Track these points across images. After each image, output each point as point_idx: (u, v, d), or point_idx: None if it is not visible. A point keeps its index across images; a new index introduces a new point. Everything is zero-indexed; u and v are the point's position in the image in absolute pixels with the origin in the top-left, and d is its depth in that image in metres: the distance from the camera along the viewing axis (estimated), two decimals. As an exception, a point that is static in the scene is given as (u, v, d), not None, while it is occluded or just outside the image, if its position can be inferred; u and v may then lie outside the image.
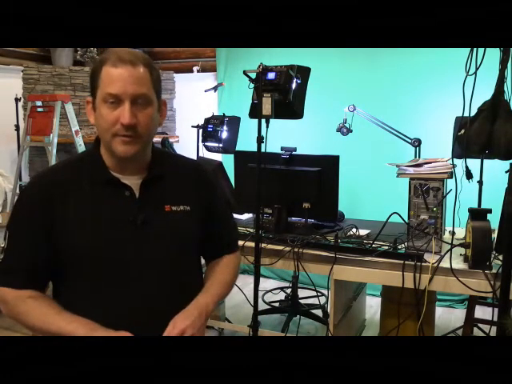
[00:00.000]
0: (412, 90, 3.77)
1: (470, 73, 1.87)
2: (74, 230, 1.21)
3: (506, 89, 1.93)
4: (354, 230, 2.52)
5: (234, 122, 3.17)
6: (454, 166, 2.17)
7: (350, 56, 3.86)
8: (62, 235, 1.21)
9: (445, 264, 2.08)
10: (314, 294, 3.17)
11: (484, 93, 1.92)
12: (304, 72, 2.58)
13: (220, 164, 2.88)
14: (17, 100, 4.19)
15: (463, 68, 1.88)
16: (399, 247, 2.27)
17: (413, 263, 2.11)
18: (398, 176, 2.32)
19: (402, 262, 2.13)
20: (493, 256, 2.06)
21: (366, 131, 3.40)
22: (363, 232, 2.53)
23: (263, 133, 2.31)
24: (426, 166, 2.30)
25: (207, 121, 3.24)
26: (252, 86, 2.40)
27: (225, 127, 3.11)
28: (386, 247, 2.27)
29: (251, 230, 2.54)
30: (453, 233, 2.22)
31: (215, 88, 3.90)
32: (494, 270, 2.00)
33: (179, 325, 1.21)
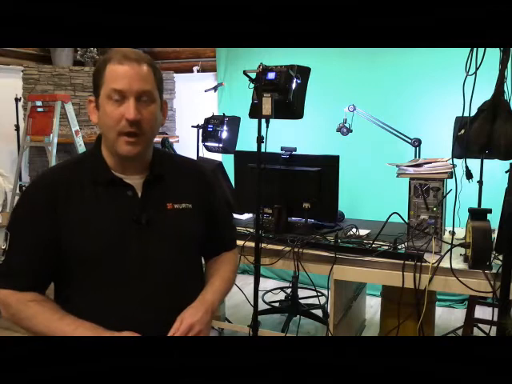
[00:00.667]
0: (412, 90, 3.77)
1: (470, 73, 1.87)
2: (76, 231, 1.21)
3: (506, 89, 1.93)
4: (354, 230, 2.52)
5: (233, 122, 3.17)
6: (454, 166, 2.17)
7: (350, 56, 3.86)
8: (64, 236, 1.21)
9: (445, 264, 2.08)
10: (314, 293, 3.17)
11: (484, 93, 1.92)
12: (304, 72, 2.58)
13: (220, 164, 2.88)
14: (17, 100, 4.20)
15: (463, 68, 1.88)
16: (399, 247, 2.27)
17: (413, 263, 2.11)
18: (397, 176, 2.32)
19: (402, 262, 2.13)
20: (493, 256, 2.06)
21: (366, 131, 3.39)
22: (363, 232, 2.53)
23: (263, 133, 2.31)
24: (425, 165, 2.30)
25: (207, 121, 3.24)
26: (252, 85, 2.40)
27: (225, 127, 3.11)
28: (386, 247, 2.27)
29: (251, 230, 2.54)
30: (453, 233, 2.22)
31: (215, 88, 3.90)
32: (494, 270, 2.00)
33: (187, 320, 1.21)
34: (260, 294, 2.79)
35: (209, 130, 3.18)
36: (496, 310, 1.91)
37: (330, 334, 2.39)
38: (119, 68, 1.17)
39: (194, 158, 3.32)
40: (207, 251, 1.46)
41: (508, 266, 1.82)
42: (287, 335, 2.85)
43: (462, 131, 1.99)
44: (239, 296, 2.86)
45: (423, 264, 2.11)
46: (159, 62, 4.83)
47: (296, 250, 2.35)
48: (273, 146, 2.47)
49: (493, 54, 1.83)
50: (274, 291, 3.81)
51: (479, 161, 2.66)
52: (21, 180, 3.95)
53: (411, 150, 2.98)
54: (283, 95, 2.46)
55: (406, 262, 2.12)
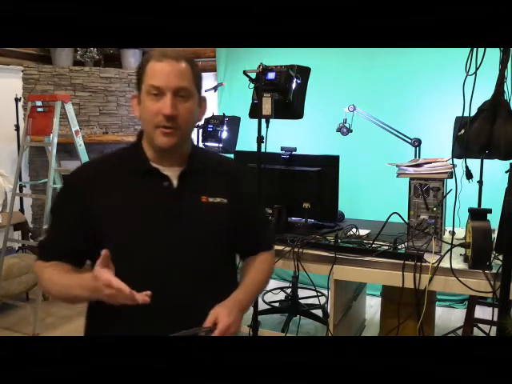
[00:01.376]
0: (412, 90, 3.77)
1: (470, 73, 1.87)
2: (107, 217, 1.27)
3: (506, 89, 1.93)
4: (354, 230, 2.52)
5: (233, 122, 3.18)
6: (454, 166, 2.17)
7: (350, 56, 3.86)
8: (96, 221, 1.27)
9: (445, 264, 2.08)
10: (314, 293, 3.17)
11: (484, 93, 1.92)
12: (304, 72, 2.58)
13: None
14: (17, 100, 4.20)
15: (463, 68, 1.88)
16: (399, 247, 2.27)
17: (413, 263, 2.11)
18: (397, 176, 2.32)
19: (402, 262, 2.13)
20: (493, 256, 2.06)
21: (366, 131, 3.39)
22: (363, 232, 2.53)
23: (263, 133, 2.31)
24: (425, 166, 2.30)
25: (207, 121, 3.24)
26: (252, 85, 2.41)
27: (225, 127, 3.11)
28: (386, 247, 2.27)
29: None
30: (453, 233, 2.22)
31: (215, 88, 3.89)
32: (494, 270, 2.00)
33: (225, 320, 1.21)
34: (260, 293, 2.79)
35: (209, 129, 3.18)
36: (496, 309, 1.91)
37: (330, 334, 2.39)
38: (158, 65, 1.22)
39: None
40: (242, 250, 1.47)
41: (508, 266, 1.82)
42: (287, 335, 2.85)
43: (462, 131, 1.99)
44: (239, 296, 2.85)
45: (423, 264, 2.11)
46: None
47: (296, 249, 2.35)
48: (273, 145, 2.47)
49: (493, 54, 1.83)
50: (274, 291, 3.81)
51: (479, 161, 2.66)
52: (21, 180, 3.95)
53: (411, 149, 2.98)
54: (283, 95, 2.47)
55: (406, 262, 2.12)
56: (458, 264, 2.11)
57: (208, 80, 4.62)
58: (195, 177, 1.32)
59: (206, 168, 1.36)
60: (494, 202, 2.21)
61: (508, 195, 1.89)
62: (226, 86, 4.34)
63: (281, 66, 2.51)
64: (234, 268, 1.45)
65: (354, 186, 3.79)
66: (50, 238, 1.36)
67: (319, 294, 3.08)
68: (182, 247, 1.27)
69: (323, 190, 2.53)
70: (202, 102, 1.33)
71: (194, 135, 3.47)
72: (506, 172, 1.96)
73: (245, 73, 2.34)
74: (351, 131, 3.07)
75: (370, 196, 3.87)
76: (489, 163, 2.70)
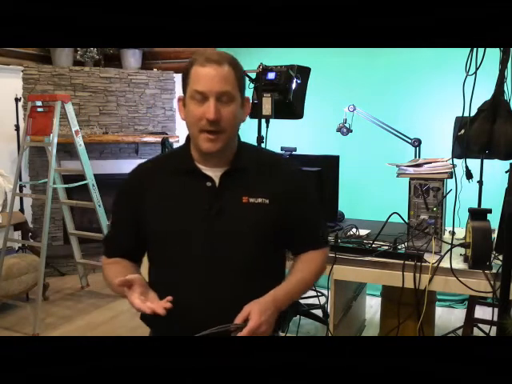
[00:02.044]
0: (412, 90, 3.78)
1: (470, 73, 1.87)
2: (152, 214, 1.34)
3: (506, 89, 1.93)
4: (354, 230, 2.52)
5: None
6: (454, 166, 2.17)
7: (350, 56, 3.86)
8: (146, 218, 1.35)
9: (445, 264, 2.08)
10: (314, 293, 3.17)
11: (484, 93, 1.92)
12: (304, 72, 2.58)
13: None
14: (17, 100, 4.19)
15: (463, 68, 1.88)
16: (399, 247, 2.27)
17: (413, 263, 2.11)
18: (397, 176, 2.31)
19: (402, 262, 2.13)
20: (493, 256, 2.06)
21: (366, 131, 3.40)
22: (363, 232, 2.53)
23: (263, 133, 2.31)
24: (425, 166, 2.30)
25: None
26: (252, 86, 2.41)
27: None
28: (386, 247, 2.27)
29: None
30: (453, 233, 2.22)
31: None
32: (494, 270, 2.00)
33: (256, 318, 1.21)
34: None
35: (209, 129, 3.18)
36: (496, 309, 1.91)
37: (330, 334, 2.39)
38: (201, 70, 1.25)
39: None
40: (291, 246, 1.47)
41: (508, 266, 1.82)
42: (287, 335, 2.85)
43: (462, 131, 1.99)
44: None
45: (423, 264, 2.11)
46: (159, 62, 4.83)
47: (296, 250, 2.34)
48: (273, 145, 2.47)
49: (493, 54, 1.83)
50: (273, 291, 3.80)
51: (479, 161, 2.66)
52: (21, 180, 3.94)
53: (411, 149, 2.98)
54: (283, 95, 2.47)
55: (406, 262, 2.12)
56: (458, 264, 2.11)
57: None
58: (238, 177, 1.34)
59: (250, 167, 1.36)
60: (494, 202, 2.21)
61: (508, 195, 1.89)
62: (226, 86, 4.32)
63: (281, 66, 2.51)
64: (280, 268, 1.44)
65: (354, 186, 3.79)
66: (111, 235, 1.48)
67: (319, 293, 3.07)
68: (222, 247, 1.30)
69: (323, 190, 2.53)
70: (245, 102, 1.35)
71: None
72: (506, 172, 1.96)
73: (245, 73, 2.33)
74: (351, 131, 3.07)
75: (370, 196, 3.87)
76: (489, 163, 2.70)
